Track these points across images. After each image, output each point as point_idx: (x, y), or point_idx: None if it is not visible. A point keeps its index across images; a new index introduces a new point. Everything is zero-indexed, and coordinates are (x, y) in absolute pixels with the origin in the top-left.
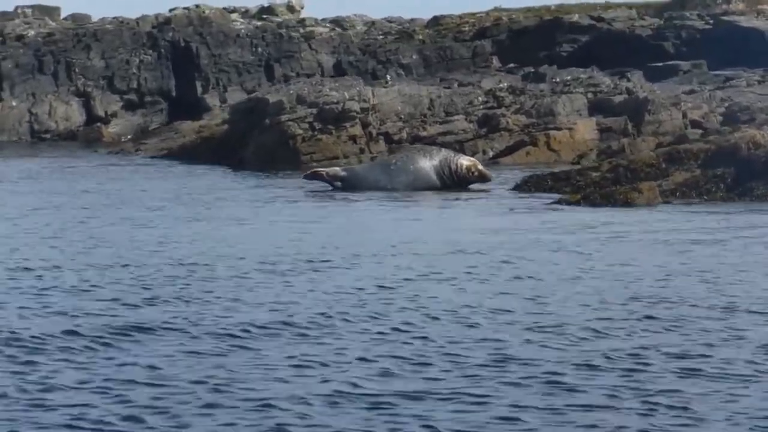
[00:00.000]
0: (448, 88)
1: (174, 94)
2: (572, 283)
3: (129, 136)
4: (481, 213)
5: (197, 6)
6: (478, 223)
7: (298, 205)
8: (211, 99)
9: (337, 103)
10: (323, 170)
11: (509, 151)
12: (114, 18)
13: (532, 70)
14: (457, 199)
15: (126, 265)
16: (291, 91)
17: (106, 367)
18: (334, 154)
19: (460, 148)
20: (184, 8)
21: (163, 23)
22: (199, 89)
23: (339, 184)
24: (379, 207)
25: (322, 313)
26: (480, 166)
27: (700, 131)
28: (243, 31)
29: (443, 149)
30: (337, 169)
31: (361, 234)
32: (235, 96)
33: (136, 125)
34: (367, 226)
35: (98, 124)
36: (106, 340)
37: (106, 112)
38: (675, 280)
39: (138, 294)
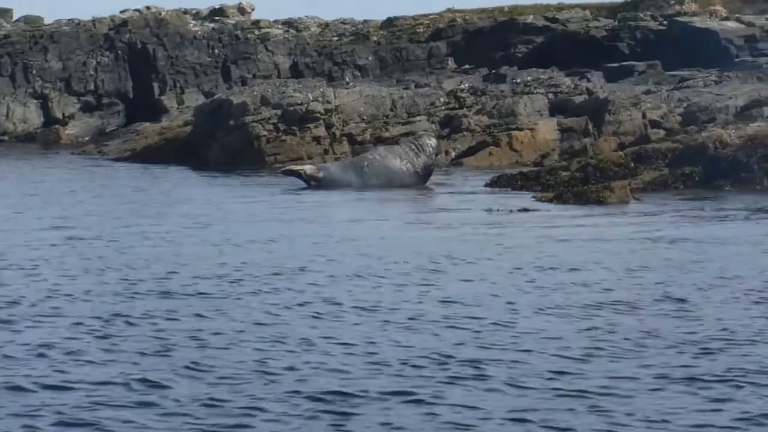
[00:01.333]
0: (407, 89)
1: (131, 95)
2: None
3: (87, 138)
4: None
5: (148, 8)
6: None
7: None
8: (168, 101)
9: (301, 104)
10: (300, 168)
11: (472, 151)
12: (70, 20)
13: (488, 71)
14: (432, 200)
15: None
16: (255, 93)
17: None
18: (298, 155)
19: None
20: (135, 10)
21: (120, 25)
22: (157, 91)
23: (314, 183)
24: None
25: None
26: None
27: (660, 131)
28: (199, 32)
29: (407, 143)
30: (314, 167)
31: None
32: (192, 98)
33: (94, 127)
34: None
35: (56, 125)
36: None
37: (63, 114)
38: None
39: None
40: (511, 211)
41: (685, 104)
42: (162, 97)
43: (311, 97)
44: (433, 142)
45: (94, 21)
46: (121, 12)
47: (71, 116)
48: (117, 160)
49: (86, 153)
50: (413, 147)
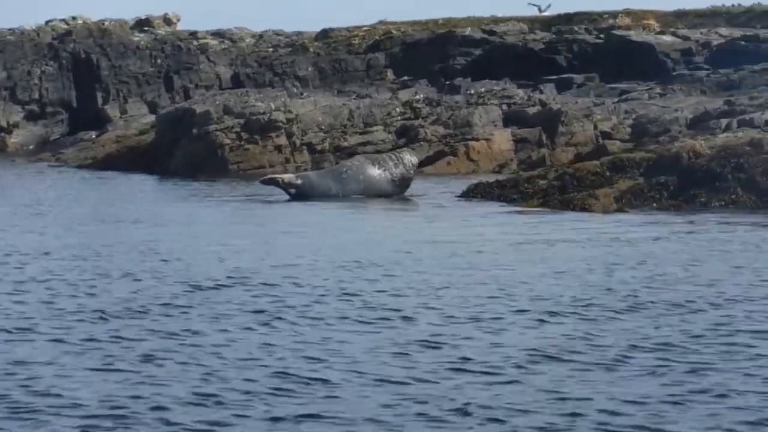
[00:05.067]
0: (357, 98)
1: (75, 105)
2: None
3: (31, 146)
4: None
5: (73, 18)
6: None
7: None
8: (112, 110)
9: (264, 113)
10: (279, 177)
11: (430, 160)
12: (11, 29)
13: (427, 82)
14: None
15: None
16: (217, 102)
17: None
18: (260, 164)
19: None
20: (62, 20)
21: (64, 35)
22: (100, 100)
23: (293, 191)
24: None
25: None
26: None
27: (617, 141)
28: (142, 43)
29: (388, 154)
30: (292, 176)
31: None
32: (135, 107)
33: (38, 135)
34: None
35: (1, 133)
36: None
37: (8, 122)
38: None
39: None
40: None
41: (633, 116)
42: (105, 107)
43: (273, 107)
44: (414, 158)
45: (37, 30)
46: (47, 23)
47: (15, 125)
48: (80, 167)
49: (43, 161)
50: (393, 158)
